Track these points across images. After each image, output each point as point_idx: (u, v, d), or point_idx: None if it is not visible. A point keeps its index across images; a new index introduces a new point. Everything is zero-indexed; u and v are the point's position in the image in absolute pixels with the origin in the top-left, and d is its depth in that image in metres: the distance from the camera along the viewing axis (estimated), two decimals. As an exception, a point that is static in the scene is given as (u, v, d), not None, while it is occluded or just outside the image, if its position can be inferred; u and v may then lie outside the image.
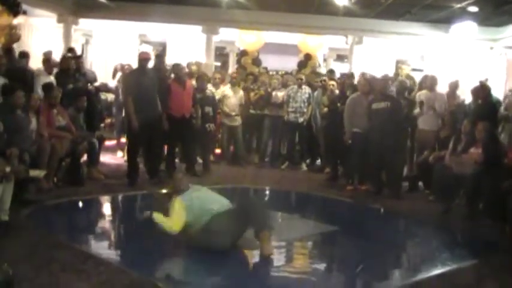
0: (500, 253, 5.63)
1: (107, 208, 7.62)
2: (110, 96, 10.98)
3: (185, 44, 15.81)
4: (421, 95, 9.11)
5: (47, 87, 7.76)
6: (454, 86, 9.57)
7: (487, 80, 9.97)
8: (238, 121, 10.37)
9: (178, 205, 5.14)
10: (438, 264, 5.38)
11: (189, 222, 5.08)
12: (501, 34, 14.20)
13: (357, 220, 7.32)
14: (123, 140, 10.17)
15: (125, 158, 9.20)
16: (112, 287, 4.11)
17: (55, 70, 8.83)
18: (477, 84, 8.97)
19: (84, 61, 10.26)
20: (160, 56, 10.06)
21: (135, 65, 10.93)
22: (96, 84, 9.97)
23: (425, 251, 6.00)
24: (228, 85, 10.61)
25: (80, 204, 7.16)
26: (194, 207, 5.17)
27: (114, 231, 6.52)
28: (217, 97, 10.11)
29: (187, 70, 10.06)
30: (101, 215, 7.29)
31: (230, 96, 10.29)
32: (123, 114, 9.46)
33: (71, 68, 9.00)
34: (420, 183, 8.78)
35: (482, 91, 8.60)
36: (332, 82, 10.31)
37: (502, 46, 14.48)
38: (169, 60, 11.25)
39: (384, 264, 5.41)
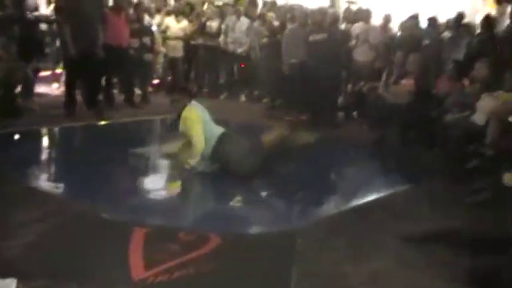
0: (431, 177, 5.85)
1: (45, 140, 7.46)
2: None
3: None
4: (356, 27, 9.30)
5: None
6: (387, 19, 9.74)
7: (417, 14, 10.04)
8: (180, 52, 10.30)
9: (194, 115, 5.44)
10: (374, 189, 5.58)
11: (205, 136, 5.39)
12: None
13: (294, 149, 7.49)
14: (59, 70, 9.95)
15: (62, 88, 9.04)
16: (55, 219, 4.04)
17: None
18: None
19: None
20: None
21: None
22: (37, 13, 9.58)
23: (361, 177, 6.19)
24: (172, 15, 10.44)
25: (17, 136, 6.97)
26: (206, 121, 5.50)
27: (55, 164, 6.37)
28: (156, 28, 9.98)
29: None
30: (40, 148, 7.00)
31: (174, 26, 10.16)
32: (58, 43, 9.23)
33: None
34: (355, 113, 9.08)
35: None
36: (270, 13, 10.32)
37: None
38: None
39: (320, 190, 5.56)
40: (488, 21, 8.43)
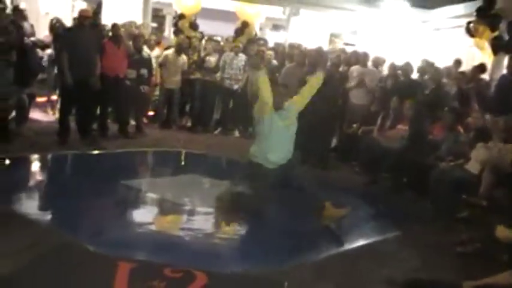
0: (421, 225, 5.84)
1: (35, 167, 7.38)
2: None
3: (122, 4, 15.41)
4: (353, 70, 9.36)
5: None
6: (377, 62, 9.79)
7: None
8: (177, 85, 10.29)
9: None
10: (363, 235, 5.55)
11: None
12: (430, 16, 14.58)
13: (285, 188, 7.38)
14: (54, 97, 9.94)
15: (56, 116, 9.01)
16: (39, 249, 4.02)
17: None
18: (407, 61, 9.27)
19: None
20: (97, 13, 9.83)
21: (67, 20, 10.66)
22: (33, 38, 9.62)
23: (351, 222, 5.96)
24: (171, 49, 10.49)
25: (7, 162, 6.85)
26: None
27: (43, 191, 6.25)
28: (155, 60, 10.01)
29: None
30: (30, 174, 6.97)
31: (174, 59, 10.19)
32: (56, 70, 9.25)
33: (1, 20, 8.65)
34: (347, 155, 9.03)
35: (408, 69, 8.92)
36: (270, 52, 10.38)
37: (431, 28, 14.85)
38: (105, 20, 10.98)
39: (309, 234, 5.44)
40: (481, 68, 8.55)
